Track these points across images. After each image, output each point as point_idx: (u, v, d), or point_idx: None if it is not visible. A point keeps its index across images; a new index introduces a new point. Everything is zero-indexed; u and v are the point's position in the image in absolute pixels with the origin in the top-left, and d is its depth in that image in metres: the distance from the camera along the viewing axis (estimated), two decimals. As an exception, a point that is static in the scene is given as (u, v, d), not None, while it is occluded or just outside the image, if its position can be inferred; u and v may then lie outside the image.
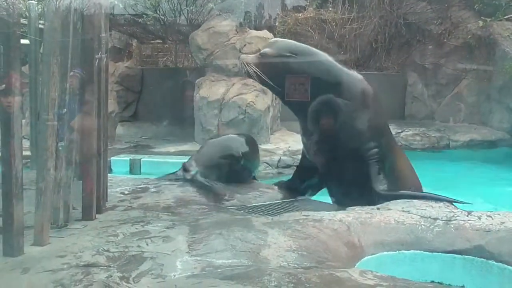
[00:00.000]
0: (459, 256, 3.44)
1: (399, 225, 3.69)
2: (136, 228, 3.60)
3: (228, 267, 2.85)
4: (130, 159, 8.52)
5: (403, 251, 3.53)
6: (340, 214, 3.84)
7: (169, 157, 8.68)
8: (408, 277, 3.00)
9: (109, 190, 4.48)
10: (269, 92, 10.47)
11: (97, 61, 3.89)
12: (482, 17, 13.33)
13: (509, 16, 13.15)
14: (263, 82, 4.33)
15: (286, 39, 5.02)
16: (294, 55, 4.19)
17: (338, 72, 4.38)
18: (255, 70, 4.17)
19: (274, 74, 4.21)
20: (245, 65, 4.22)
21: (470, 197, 7.12)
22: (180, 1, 11.84)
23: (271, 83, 4.25)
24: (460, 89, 13.67)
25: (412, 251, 3.52)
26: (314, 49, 4.54)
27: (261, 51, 4.30)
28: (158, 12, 11.88)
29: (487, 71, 12.89)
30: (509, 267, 3.25)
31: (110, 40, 11.40)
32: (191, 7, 11.85)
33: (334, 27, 14.82)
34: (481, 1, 13.46)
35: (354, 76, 4.53)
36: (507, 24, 12.93)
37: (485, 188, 8.12)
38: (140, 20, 12.12)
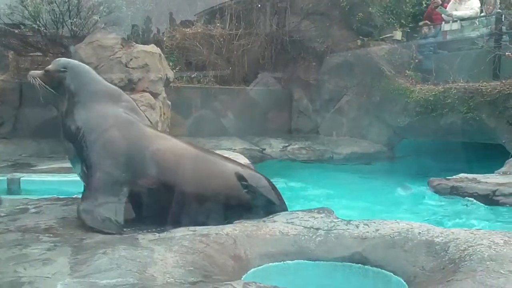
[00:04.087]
0: (339, 263, 3.61)
1: (284, 236, 3.80)
2: (13, 252, 3.39)
3: (113, 287, 2.78)
4: (7, 178, 7.98)
5: (287, 261, 3.64)
6: (227, 228, 3.88)
7: (52, 175, 8.26)
8: (292, 286, 3.11)
9: (-17, 212, 4.20)
10: (157, 107, 10.40)
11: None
12: (360, 37, 14.14)
13: (384, 36, 14.05)
14: (47, 95, 4.74)
15: (68, 59, 5.47)
16: (65, 70, 4.74)
17: (90, 83, 4.82)
18: (40, 83, 4.67)
19: (53, 86, 4.72)
20: (32, 79, 4.70)
21: (349, 205, 7.59)
22: (63, 12, 11.41)
23: (54, 92, 4.71)
24: (342, 104, 14.30)
25: (296, 261, 3.64)
26: (84, 65, 5.11)
27: (46, 67, 4.83)
28: (38, 22, 11.35)
29: (366, 88, 13.62)
30: (383, 270, 3.47)
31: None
32: (75, 19, 11.46)
33: (222, 42, 15.01)
34: (359, 21, 14.29)
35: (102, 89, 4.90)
36: (382, 44, 13.78)
37: (362, 197, 8.58)
38: (17, 31, 11.51)
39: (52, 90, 4.70)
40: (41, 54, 12.71)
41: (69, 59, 5.30)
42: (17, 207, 4.78)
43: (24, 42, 11.89)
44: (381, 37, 14.09)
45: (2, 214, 4.50)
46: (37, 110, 10.92)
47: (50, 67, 4.82)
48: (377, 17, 14.15)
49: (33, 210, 4.66)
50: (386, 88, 12.98)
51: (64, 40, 11.63)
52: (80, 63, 5.17)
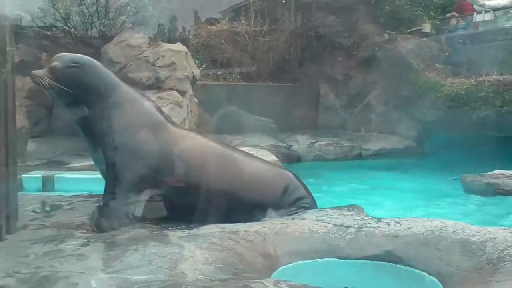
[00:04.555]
0: (370, 261, 3.58)
1: (313, 234, 3.79)
2: (49, 248, 3.49)
3: (144, 283, 2.83)
4: (42, 176, 8.14)
5: (317, 259, 3.63)
6: (256, 226, 3.90)
7: (84, 173, 8.41)
8: (322, 284, 3.08)
9: (20, 209, 4.28)
10: (185, 105, 10.46)
11: (3, 75, 3.74)
12: (387, 31, 13.95)
13: (411, 29, 13.85)
14: (57, 93, 4.42)
15: (70, 53, 5.10)
16: (78, 65, 4.47)
17: (112, 81, 4.71)
18: (49, 81, 4.32)
19: (65, 83, 4.38)
20: (39, 79, 4.32)
21: (379, 203, 7.51)
22: (92, 13, 11.58)
23: (68, 89, 4.37)
24: (370, 99, 14.15)
25: (325, 259, 3.62)
26: (94, 60, 4.82)
27: (50, 65, 4.49)
28: (68, 24, 11.55)
29: (394, 82, 13.46)
30: (416, 270, 3.42)
31: (18, 54, 10.91)
32: (103, 20, 11.62)
33: (248, 39, 15.00)
34: (386, 15, 14.10)
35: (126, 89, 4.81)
36: (410, 37, 13.57)
37: (392, 194, 8.48)
38: (49, 33, 11.71)
39: (66, 88, 4.34)
40: (72, 54, 12.86)
41: (77, 54, 4.99)
42: (52, 204, 4.89)
43: (55, 43, 12.10)
44: (409, 30, 13.88)
45: (38, 211, 4.62)
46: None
47: (56, 63, 4.46)
48: (405, 9, 13.94)
49: (67, 207, 4.76)
50: (415, 82, 12.79)
51: (93, 40, 11.80)
52: (92, 59, 4.84)
